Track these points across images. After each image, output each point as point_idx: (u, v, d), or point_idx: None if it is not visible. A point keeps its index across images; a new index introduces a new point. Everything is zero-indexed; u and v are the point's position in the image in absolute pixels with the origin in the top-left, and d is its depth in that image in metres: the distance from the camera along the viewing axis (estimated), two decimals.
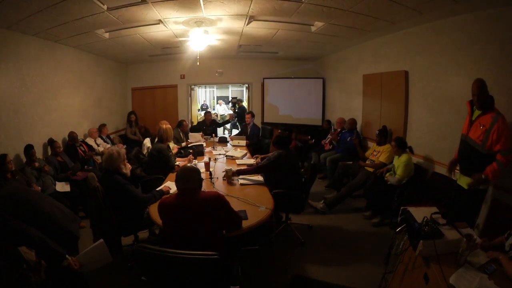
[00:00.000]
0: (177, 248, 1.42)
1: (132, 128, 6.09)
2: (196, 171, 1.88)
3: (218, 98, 13.25)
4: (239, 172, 3.06)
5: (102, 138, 5.24)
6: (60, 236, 1.79)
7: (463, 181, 2.43)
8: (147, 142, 4.79)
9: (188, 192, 1.76)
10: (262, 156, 3.96)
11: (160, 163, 3.43)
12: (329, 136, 5.36)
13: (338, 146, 5.04)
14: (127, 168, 2.62)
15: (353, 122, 4.92)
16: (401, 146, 3.45)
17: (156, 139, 3.67)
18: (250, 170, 3.09)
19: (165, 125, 3.66)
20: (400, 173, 3.38)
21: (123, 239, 3.01)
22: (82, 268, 1.75)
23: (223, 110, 11.80)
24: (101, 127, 5.34)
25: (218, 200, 1.77)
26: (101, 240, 1.83)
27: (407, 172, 3.37)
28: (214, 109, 12.08)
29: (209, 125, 6.13)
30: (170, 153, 3.60)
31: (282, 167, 3.02)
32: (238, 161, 3.85)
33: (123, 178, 2.49)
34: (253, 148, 4.93)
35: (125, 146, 5.17)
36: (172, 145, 4.32)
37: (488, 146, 2.24)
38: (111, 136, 5.79)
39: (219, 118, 11.22)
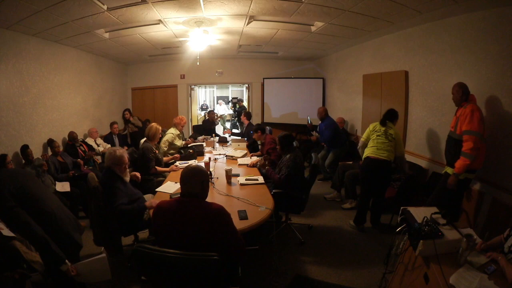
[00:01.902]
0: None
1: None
2: (201, 173, 1.61)
3: (218, 98, 13.25)
4: (268, 171, 3.13)
5: (112, 136, 5.40)
6: (62, 240, 1.77)
7: (449, 171, 2.61)
8: (143, 141, 4.83)
9: (189, 200, 1.54)
10: (262, 154, 3.94)
11: (144, 163, 3.42)
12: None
13: (321, 140, 5.01)
14: (127, 174, 2.56)
15: (322, 111, 4.81)
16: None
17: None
18: (275, 180, 3.01)
19: (154, 124, 3.61)
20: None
21: (123, 239, 3.01)
22: (78, 278, 1.70)
23: (223, 110, 11.79)
24: (112, 125, 5.45)
25: (221, 215, 1.52)
26: (104, 255, 1.78)
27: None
28: (214, 109, 12.07)
29: (211, 123, 6.22)
30: (152, 155, 3.47)
31: (298, 169, 3.00)
32: (239, 160, 3.85)
33: (119, 180, 2.44)
34: (250, 148, 4.93)
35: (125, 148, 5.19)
36: (171, 140, 4.33)
37: (459, 131, 2.47)
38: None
39: (218, 118, 11.22)
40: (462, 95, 2.54)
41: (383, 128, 3.25)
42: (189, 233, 1.47)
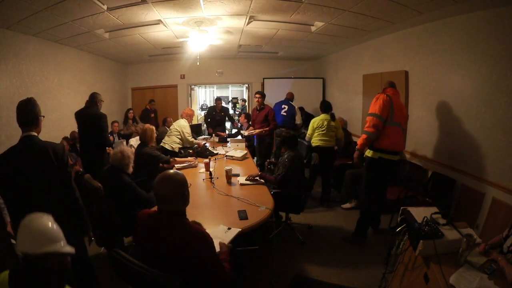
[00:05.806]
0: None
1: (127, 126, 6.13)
2: (181, 183, 1.33)
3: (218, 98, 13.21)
4: (261, 176, 3.02)
5: (112, 135, 5.35)
6: None
7: (367, 153, 2.93)
8: (132, 141, 4.82)
9: (169, 218, 1.30)
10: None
11: (148, 165, 3.27)
12: None
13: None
14: (130, 170, 2.63)
15: (289, 96, 5.57)
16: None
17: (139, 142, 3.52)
18: (272, 181, 3.00)
19: (146, 126, 3.50)
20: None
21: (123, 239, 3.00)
22: None
23: None
24: (112, 124, 5.46)
25: (201, 243, 1.28)
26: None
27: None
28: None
29: (219, 112, 6.18)
30: (158, 153, 3.42)
31: (296, 169, 2.99)
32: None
33: (129, 177, 2.53)
34: (252, 149, 4.93)
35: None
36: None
37: None
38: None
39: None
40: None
41: (326, 123, 3.91)
42: (164, 253, 1.29)
